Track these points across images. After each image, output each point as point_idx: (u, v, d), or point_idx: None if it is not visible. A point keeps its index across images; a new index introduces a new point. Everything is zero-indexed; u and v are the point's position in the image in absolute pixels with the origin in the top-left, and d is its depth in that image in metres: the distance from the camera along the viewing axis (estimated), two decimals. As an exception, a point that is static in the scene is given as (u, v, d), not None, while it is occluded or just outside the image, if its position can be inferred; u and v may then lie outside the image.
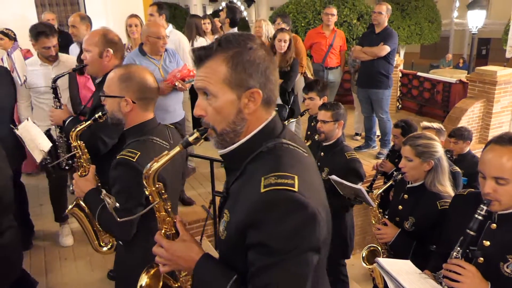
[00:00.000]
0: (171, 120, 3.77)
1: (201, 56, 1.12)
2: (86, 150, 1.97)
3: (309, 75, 5.05)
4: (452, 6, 22.65)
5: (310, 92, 3.51)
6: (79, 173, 1.95)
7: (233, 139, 1.15)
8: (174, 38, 4.41)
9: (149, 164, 1.22)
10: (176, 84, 3.57)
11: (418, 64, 19.09)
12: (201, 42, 5.26)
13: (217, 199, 3.68)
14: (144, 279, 1.40)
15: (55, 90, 2.64)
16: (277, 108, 1.60)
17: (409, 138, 2.39)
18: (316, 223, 1.04)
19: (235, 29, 5.45)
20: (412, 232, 2.34)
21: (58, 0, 6.93)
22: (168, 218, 1.30)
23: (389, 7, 5.10)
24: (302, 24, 8.25)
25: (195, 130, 1.16)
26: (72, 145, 1.97)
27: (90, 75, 2.56)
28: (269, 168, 1.07)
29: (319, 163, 2.99)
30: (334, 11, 5.62)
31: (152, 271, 1.43)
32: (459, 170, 3.27)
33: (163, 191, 1.29)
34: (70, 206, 2.12)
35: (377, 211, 2.59)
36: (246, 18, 24.82)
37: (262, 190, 1.03)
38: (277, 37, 4.44)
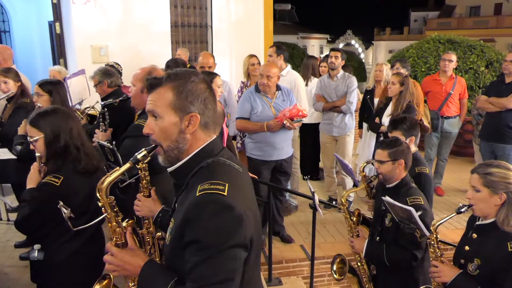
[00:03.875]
0: (278, 156, 3.87)
1: (153, 85, 1.34)
2: (148, 173, 2.03)
3: (426, 123, 4.79)
4: None
5: (394, 131, 3.06)
6: (141, 194, 2.01)
7: (177, 155, 1.35)
8: (291, 78, 4.57)
9: (102, 178, 1.40)
10: (285, 122, 3.67)
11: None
12: (314, 82, 5.36)
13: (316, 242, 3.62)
14: None
15: (103, 115, 2.95)
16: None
17: (479, 166, 2.10)
18: (242, 223, 1.21)
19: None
20: (476, 277, 2.03)
21: (190, 39, 7.67)
22: (118, 229, 1.44)
23: (524, 55, 4.66)
24: (423, 69, 7.92)
25: (143, 149, 1.38)
26: (138, 166, 2.08)
27: (133, 106, 2.84)
28: (205, 177, 1.26)
29: (383, 208, 2.62)
30: (453, 57, 5.29)
31: (104, 282, 1.53)
32: None
33: (114, 204, 1.45)
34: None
35: (436, 245, 2.20)
36: (363, 60, 24.67)
37: (197, 194, 1.22)
38: (390, 80, 4.38)
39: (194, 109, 1.32)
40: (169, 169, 1.39)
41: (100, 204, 1.43)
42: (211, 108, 1.36)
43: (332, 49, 5.00)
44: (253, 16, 8.36)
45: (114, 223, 1.44)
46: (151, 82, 1.35)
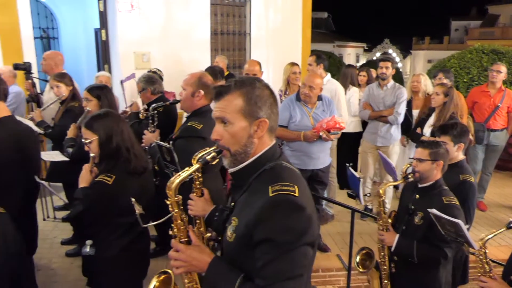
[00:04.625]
0: (314, 166, 3.86)
1: (220, 92, 1.38)
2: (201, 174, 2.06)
3: (470, 136, 4.65)
4: None
5: (443, 136, 2.98)
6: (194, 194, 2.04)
7: (243, 159, 1.39)
8: (331, 87, 4.55)
9: (172, 178, 1.44)
10: (321, 134, 3.65)
11: None
12: (353, 91, 5.32)
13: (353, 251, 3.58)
14: (153, 283, 1.55)
15: (153, 117, 3.08)
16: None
17: None
18: (312, 223, 1.29)
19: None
20: None
21: (228, 46, 7.80)
22: (183, 227, 1.47)
23: None
24: (465, 80, 7.69)
25: (211, 150, 1.42)
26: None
27: (183, 109, 2.96)
28: (275, 179, 1.32)
29: (413, 206, 2.66)
30: (502, 68, 5.12)
31: (163, 277, 1.57)
32: None
33: (181, 203, 1.49)
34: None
35: (485, 260, 2.16)
36: (401, 70, 24.24)
37: (271, 194, 1.27)
38: (434, 90, 4.29)
39: (262, 114, 1.37)
40: (231, 170, 1.43)
41: (168, 202, 1.48)
42: (275, 112, 1.42)
43: (382, 59, 4.93)
44: (291, 24, 8.41)
45: (180, 221, 1.48)
46: (219, 90, 1.39)
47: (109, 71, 6.38)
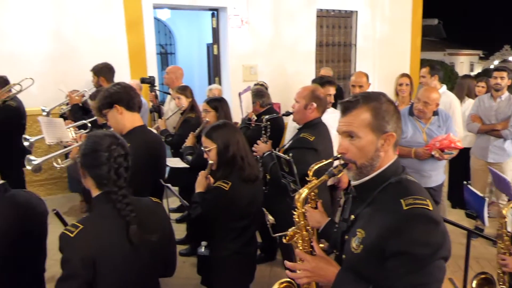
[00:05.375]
0: (424, 184, 3.62)
1: (348, 107, 1.41)
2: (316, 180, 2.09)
3: None
4: None
5: None
6: (309, 205, 2.04)
7: (368, 172, 1.41)
8: (446, 100, 4.28)
9: (300, 190, 1.50)
10: (433, 153, 3.42)
11: None
12: (469, 103, 4.95)
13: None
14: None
15: (265, 127, 3.19)
16: None
17: None
18: (447, 237, 1.28)
19: None
20: None
21: (333, 57, 7.79)
22: (307, 238, 1.49)
23: None
24: None
25: (337, 163, 1.44)
26: (308, 178, 2.11)
27: (295, 121, 3.00)
28: (405, 193, 1.32)
29: None
30: None
31: (284, 285, 1.61)
32: None
33: (305, 214, 1.53)
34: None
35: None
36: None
37: (405, 207, 1.27)
38: None
39: (389, 128, 1.39)
40: (355, 183, 1.45)
41: (295, 213, 1.53)
42: (400, 127, 1.43)
43: (496, 69, 4.56)
44: (400, 33, 8.13)
45: (305, 232, 1.53)
46: (346, 105, 1.42)
47: (219, 83, 6.78)
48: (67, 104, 4.32)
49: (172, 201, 4.88)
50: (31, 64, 5.08)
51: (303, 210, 1.51)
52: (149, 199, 1.89)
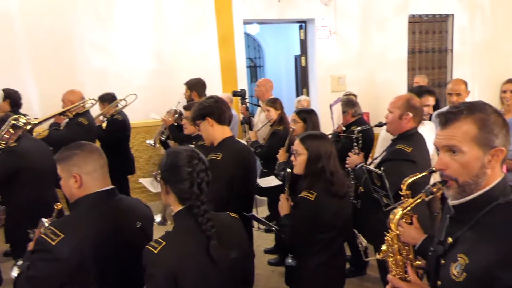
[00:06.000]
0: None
1: (450, 118, 1.29)
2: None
3: None
4: None
5: None
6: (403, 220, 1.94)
7: (472, 191, 1.27)
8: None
9: (395, 210, 1.44)
10: None
11: None
12: None
13: None
14: None
15: (357, 139, 3.13)
16: None
17: None
18: None
19: None
20: None
21: (427, 64, 7.41)
22: (401, 263, 1.39)
23: None
24: None
25: (436, 182, 1.33)
26: (401, 192, 2.01)
27: (389, 132, 2.85)
28: None
29: None
30: None
31: None
32: None
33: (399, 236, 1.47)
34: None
35: None
36: None
37: None
38: None
39: (498, 143, 1.25)
40: (455, 202, 1.33)
41: (389, 236, 1.46)
42: (509, 141, 1.29)
43: None
44: (503, 35, 7.49)
45: (399, 256, 1.44)
46: (447, 116, 1.31)
47: (307, 94, 6.81)
48: (165, 129, 4.44)
49: (261, 211, 5.00)
50: (135, 81, 5.57)
51: (398, 232, 1.43)
52: (227, 214, 1.86)
